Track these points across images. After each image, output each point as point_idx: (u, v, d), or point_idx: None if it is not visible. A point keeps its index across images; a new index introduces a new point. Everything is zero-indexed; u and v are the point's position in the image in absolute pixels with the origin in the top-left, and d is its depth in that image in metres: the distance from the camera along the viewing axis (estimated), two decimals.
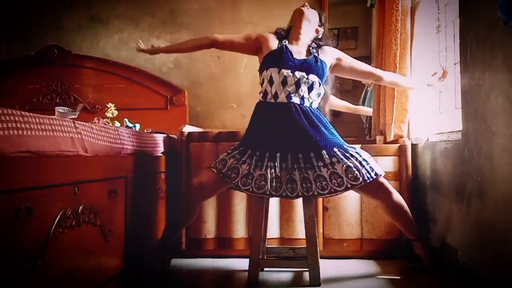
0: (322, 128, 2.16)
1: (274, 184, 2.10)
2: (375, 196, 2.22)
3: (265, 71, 2.23)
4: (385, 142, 2.80)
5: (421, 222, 2.66)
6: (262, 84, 2.26)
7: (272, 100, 2.18)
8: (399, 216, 2.25)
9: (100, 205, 1.77)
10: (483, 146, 1.86)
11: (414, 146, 2.77)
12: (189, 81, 3.54)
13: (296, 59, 2.21)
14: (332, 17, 3.51)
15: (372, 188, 2.16)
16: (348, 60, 2.37)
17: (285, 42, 2.29)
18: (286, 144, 2.13)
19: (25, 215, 1.28)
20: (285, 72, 2.17)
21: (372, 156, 2.63)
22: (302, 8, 2.33)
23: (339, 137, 2.21)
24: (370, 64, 3.54)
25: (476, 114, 1.94)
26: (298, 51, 2.27)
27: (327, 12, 3.39)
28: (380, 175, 2.15)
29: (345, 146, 2.17)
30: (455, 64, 2.41)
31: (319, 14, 2.39)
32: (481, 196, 1.88)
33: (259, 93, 2.27)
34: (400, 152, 2.66)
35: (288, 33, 2.35)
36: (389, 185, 2.20)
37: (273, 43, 2.30)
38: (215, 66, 3.54)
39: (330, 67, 2.31)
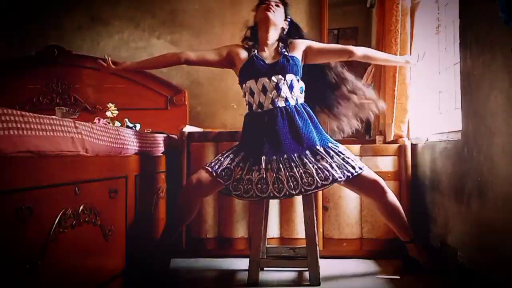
0: (311, 125, 2.21)
1: (259, 186, 2.11)
2: (369, 195, 2.22)
3: (244, 84, 2.29)
4: (385, 142, 2.80)
5: (421, 222, 2.66)
6: (244, 96, 2.32)
7: (259, 110, 2.24)
8: (393, 217, 2.25)
9: (101, 205, 1.77)
10: (483, 146, 1.86)
11: (414, 146, 2.77)
12: (189, 81, 3.54)
13: (268, 64, 2.25)
14: (332, 17, 3.51)
15: (365, 185, 2.17)
16: (316, 46, 2.38)
17: (254, 51, 2.31)
18: (274, 146, 2.15)
19: (25, 215, 1.28)
20: (262, 80, 2.22)
21: (372, 156, 2.66)
22: (268, 12, 2.27)
23: (323, 133, 2.24)
24: (370, 64, 3.55)
25: (476, 114, 1.94)
26: (269, 55, 2.31)
27: (327, 12, 3.39)
28: (360, 171, 2.13)
29: (329, 144, 2.19)
30: (455, 64, 2.42)
31: (284, 4, 2.36)
32: (481, 196, 1.89)
33: (245, 105, 2.33)
34: (400, 152, 2.66)
35: (256, 36, 2.35)
36: (385, 185, 2.21)
37: (244, 54, 2.32)
38: None
39: (302, 59, 2.33)
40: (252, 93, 2.25)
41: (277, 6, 2.31)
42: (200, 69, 3.54)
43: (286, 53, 2.28)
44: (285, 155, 2.13)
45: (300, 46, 2.34)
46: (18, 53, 3.52)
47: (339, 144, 2.22)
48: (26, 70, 3.44)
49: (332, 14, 3.48)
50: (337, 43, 4.02)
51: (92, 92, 3.43)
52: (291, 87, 2.22)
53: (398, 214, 2.25)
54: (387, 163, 2.65)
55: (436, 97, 2.75)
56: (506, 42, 1.64)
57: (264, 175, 2.10)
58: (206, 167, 2.19)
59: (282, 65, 2.23)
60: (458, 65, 2.18)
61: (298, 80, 2.26)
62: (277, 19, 2.31)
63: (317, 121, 2.26)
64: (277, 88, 2.20)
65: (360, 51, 2.41)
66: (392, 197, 2.23)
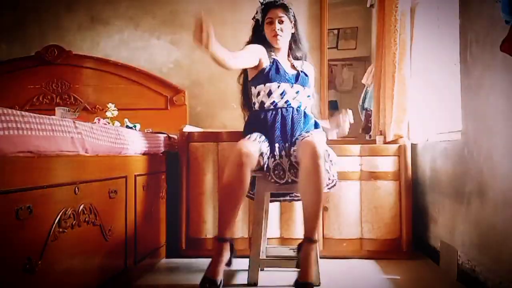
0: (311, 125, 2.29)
1: (276, 172, 2.16)
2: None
3: (262, 85, 2.30)
4: (385, 142, 2.80)
5: (421, 222, 2.66)
6: (257, 95, 2.32)
7: (271, 107, 2.28)
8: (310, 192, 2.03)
9: (100, 205, 1.77)
10: (483, 146, 1.86)
11: (414, 146, 2.77)
12: (189, 81, 3.54)
13: (290, 73, 2.34)
14: (332, 17, 3.51)
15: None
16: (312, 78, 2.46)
17: (272, 54, 2.35)
18: (284, 135, 2.21)
19: (25, 215, 1.28)
20: (284, 86, 2.29)
21: (372, 156, 2.65)
22: (277, 40, 2.32)
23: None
24: (370, 64, 3.55)
25: (476, 114, 1.94)
26: (285, 63, 2.38)
27: (327, 12, 3.39)
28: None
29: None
30: (455, 64, 2.41)
31: (291, 13, 2.38)
32: (481, 196, 1.89)
33: (253, 104, 2.35)
34: (400, 152, 2.66)
35: (263, 36, 2.39)
36: (321, 165, 2.01)
37: (267, 56, 2.34)
38: (215, 66, 3.49)
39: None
40: (269, 94, 2.28)
41: (281, 22, 2.33)
42: (200, 69, 3.54)
43: (303, 69, 2.39)
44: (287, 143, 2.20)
45: (311, 72, 2.46)
46: (18, 53, 3.52)
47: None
48: (26, 70, 3.44)
49: (332, 14, 3.49)
50: (337, 43, 4.03)
51: (92, 92, 3.43)
52: (308, 97, 2.35)
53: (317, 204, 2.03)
54: (387, 163, 2.64)
55: (436, 97, 2.75)
56: None
57: (279, 161, 2.15)
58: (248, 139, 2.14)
59: (303, 78, 2.35)
60: (458, 65, 2.18)
61: (308, 96, 2.37)
62: (285, 39, 2.38)
63: (320, 126, 2.35)
64: (297, 94, 2.30)
65: None
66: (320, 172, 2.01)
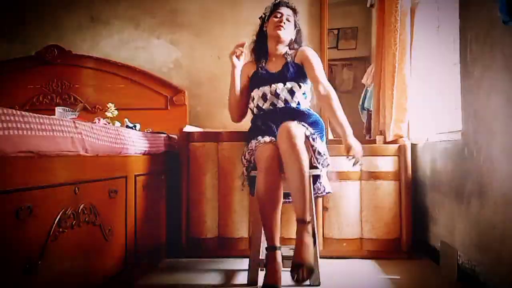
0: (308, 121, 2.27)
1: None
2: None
3: (252, 92, 2.42)
4: (385, 142, 2.80)
5: (421, 222, 2.66)
6: (250, 105, 2.45)
7: (260, 112, 2.37)
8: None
9: (100, 205, 1.77)
10: (482, 146, 1.86)
11: (414, 146, 2.77)
12: (189, 81, 3.54)
13: (270, 73, 2.39)
14: (332, 17, 3.51)
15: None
16: (308, 64, 2.37)
17: (262, 63, 2.44)
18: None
19: (25, 215, 1.28)
20: (263, 88, 2.35)
21: (372, 156, 2.65)
22: (279, 31, 2.37)
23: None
24: (370, 64, 3.54)
25: (476, 114, 1.94)
26: (275, 63, 2.43)
27: (327, 12, 3.39)
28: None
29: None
30: (455, 64, 2.41)
31: (293, 10, 2.43)
32: (481, 196, 1.89)
33: (250, 109, 2.46)
34: (400, 152, 2.66)
35: (265, 43, 2.46)
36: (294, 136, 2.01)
37: (252, 69, 2.47)
38: (215, 66, 3.54)
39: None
40: (253, 99, 2.39)
41: (288, 20, 2.40)
42: (200, 69, 3.55)
43: (289, 59, 2.40)
44: None
45: (300, 57, 2.41)
46: (18, 53, 3.52)
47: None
48: (26, 70, 3.44)
49: (332, 14, 3.49)
50: (337, 43, 4.03)
51: (92, 92, 3.43)
52: (291, 93, 2.32)
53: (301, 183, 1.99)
54: (387, 163, 2.65)
55: (436, 97, 2.75)
56: (506, 42, 1.64)
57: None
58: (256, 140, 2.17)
59: (283, 74, 2.35)
60: (458, 65, 2.18)
61: (300, 86, 2.34)
62: (288, 35, 2.42)
63: (321, 123, 2.32)
64: (276, 94, 2.32)
65: (323, 91, 2.26)
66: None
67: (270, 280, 1.96)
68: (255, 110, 2.40)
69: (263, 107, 2.35)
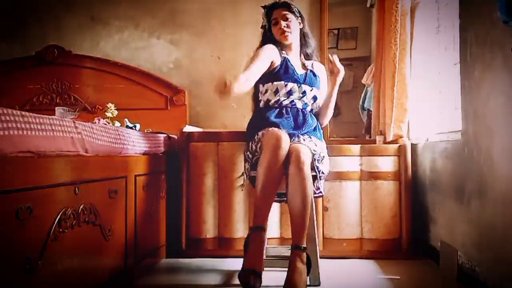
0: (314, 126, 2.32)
1: None
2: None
3: (271, 83, 2.34)
4: (385, 142, 2.80)
5: (421, 222, 2.66)
6: (264, 93, 2.37)
7: (276, 105, 2.33)
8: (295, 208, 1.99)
9: (100, 205, 1.77)
10: (483, 146, 1.86)
11: (414, 146, 2.77)
12: (189, 81, 3.54)
13: (299, 73, 2.37)
14: (332, 17, 3.51)
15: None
16: (325, 83, 2.49)
17: (284, 53, 2.40)
18: (290, 125, 2.25)
19: (25, 215, 1.28)
20: (291, 85, 2.33)
21: (372, 156, 2.65)
22: (285, 38, 2.37)
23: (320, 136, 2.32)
24: (370, 64, 3.54)
25: (476, 114, 1.94)
26: (297, 63, 2.42)
27: (327, 12, 3.39)
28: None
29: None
30: (455, 64, 2.42)
31: (295, 10, 2.41)
32: (481, 196, 1.89)
33: (259, 101, 2.40)
34: (400, 152, 2.66)
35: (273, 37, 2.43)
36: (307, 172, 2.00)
37: (278, 56, 2.39)
38: (215, 66, 3.54)
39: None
40: (276, 92, 2.32)
41: (286, 19, 2.37)
42: (200, 69, 3.55)
43: (312, 69, 2.43)
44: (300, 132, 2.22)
45: (323, 72, 2.51)
46: (18, 53, 3.52)
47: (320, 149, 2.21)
48: (26, 70, 3.44)
49: (332, 14, 3.48)
50: (337, 43, 4.02)
51: (92, 92, 3.43)
52: (314, 99, 2.38)
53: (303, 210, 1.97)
54: (387, 163, 2.65)
55: (436, 97, 2.75)
56: (506, 42, 1.64)
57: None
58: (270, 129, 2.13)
59: (311, 78, 2.38)
60: (458, 65, 2.18)
61: (321, 97, 2.42)
62: (293, 35, 2.41)
63: (320, 128, 2.39)
64: (303, 94, 2.34)
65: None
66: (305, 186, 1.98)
67: (250, 265, 1.87)
68: (271, 102, 2.32)
69: (283, 103, 2.31)
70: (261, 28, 2.50)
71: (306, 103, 2.35)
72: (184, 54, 3.56)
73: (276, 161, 1.99)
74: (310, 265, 2.01)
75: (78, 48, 3.54)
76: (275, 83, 2.32)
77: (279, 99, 2.32)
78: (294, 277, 1.87)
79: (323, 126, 2.47)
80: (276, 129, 2.11)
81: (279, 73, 2.33)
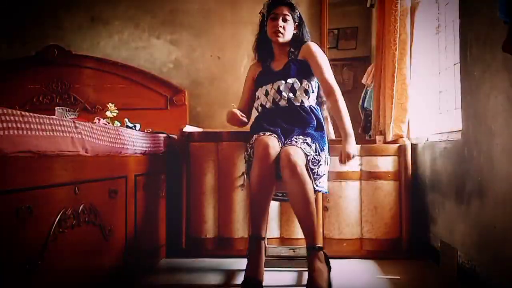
0: (310, 125, 2.23)
1: None
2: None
3: (257, 91, 2.42)
4: (385, 142, 2.80)
5: (421, 222, 2.66)
6: (257, 99, 2.41)
7: (263, 110, 2.35)
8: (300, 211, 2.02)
9: (100, 205, 1.77)
10: (483, 146, 1.86)
11: (414, 146, 2.77)
12: (189, 81, 3.54)
13: (274, 72, 2.36)
14: (332, 17, 3.51)
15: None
16: (314, 63, 2.32)
17: (268, 62, 2.43)
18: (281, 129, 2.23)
19: (25, 215, 1.28)
20: (266, 87, 2.34)
21: (372, 156, 2.65)
22: (278, 38, 2.35)
23: (323, 137, 2.25)
24: (370, 64, 3.54)
25: (476, 114, 1.94)
26: (280, 61, 2.39)
27: (327, 12, 3.39)
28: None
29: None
30: (455, 64, 2.42)
31: (290, 5, 2.38)
32: (481, 196, 1.89)
33: (255, 108, 2.44)
34: (400, 152, 2.66)
35: (269, 42, 2.42)
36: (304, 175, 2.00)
37: (258, 69, 2.45)
38: (215, 66, 3.54)
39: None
40: (257, 98, 2.39)
41: (285, 20, 2.35)
42: (200, 69, 3.55)
43: (293, 57, 2.37)
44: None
45: (304, 52, 2.35)
46: (18, 53, 3.52)
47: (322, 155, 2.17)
48: (26, 70, 3.44)
49: (332, 14, 3.49)
50: (337, 43, 4.03)
51: (92, 92, 3.43)
52: (293, 90, 2.28)
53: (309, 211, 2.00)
54: (387, 163, 2.65)
55: (436, 97, 2.75)
56: None
57: None
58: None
59: (285, 72, 2.32)
60: (458, 65, 2.18)
61: (301, 82, 2.29)
62: (288, 36, 2.38)
63: (322, 123, 2.30)
64: (279, 91, 2.29)
65: (329, 91, 2.26)
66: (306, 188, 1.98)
67: (251, 273, 1.96)
68: (259, 109, 2.38)
69: (267, 106, 2.32)
70: (259, 13, 2.47)
71: (290, 98, 2.26)
72: (184, 54, 3.56)
73: (265, 169, 2.02)
74: (329, 262, 2.04)
75: (78, 48, 3.54)
76: (257, 92, 2.40)
77: (261, 103, 2.35)
78: (315, 278, 1.91)
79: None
80: (264, 136, 2.12)
81: (257, 80, 2.43)
